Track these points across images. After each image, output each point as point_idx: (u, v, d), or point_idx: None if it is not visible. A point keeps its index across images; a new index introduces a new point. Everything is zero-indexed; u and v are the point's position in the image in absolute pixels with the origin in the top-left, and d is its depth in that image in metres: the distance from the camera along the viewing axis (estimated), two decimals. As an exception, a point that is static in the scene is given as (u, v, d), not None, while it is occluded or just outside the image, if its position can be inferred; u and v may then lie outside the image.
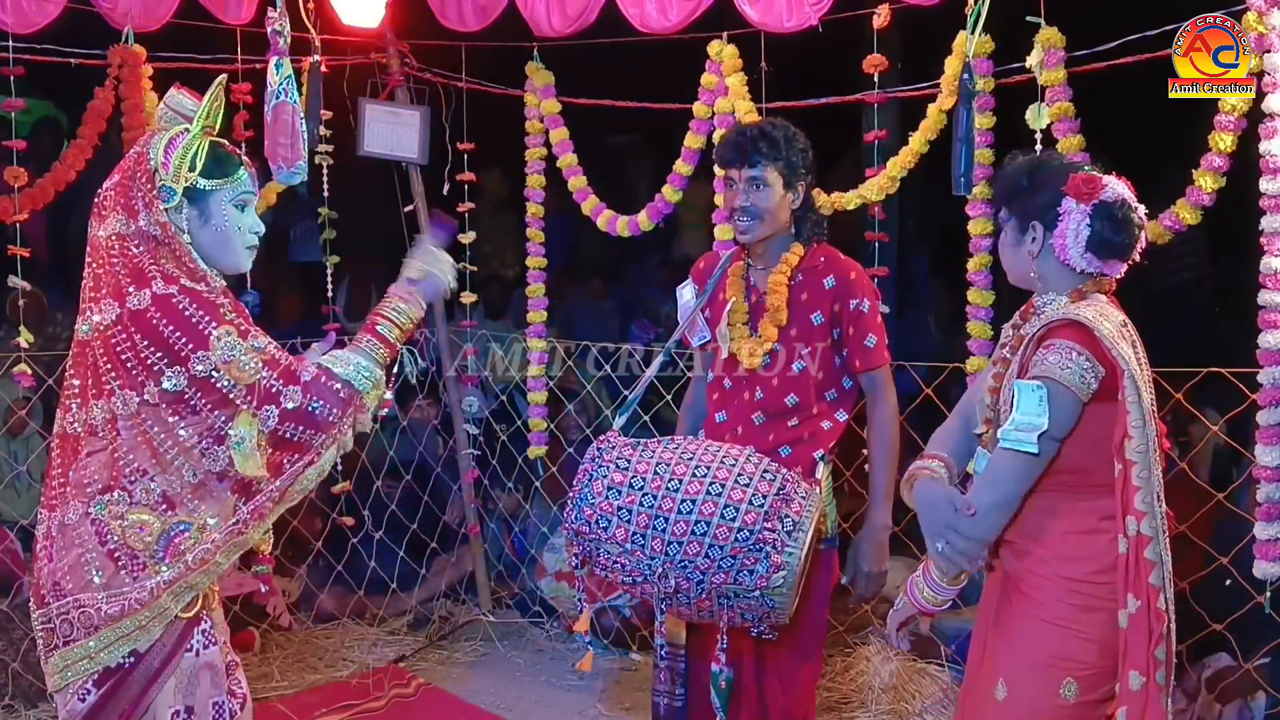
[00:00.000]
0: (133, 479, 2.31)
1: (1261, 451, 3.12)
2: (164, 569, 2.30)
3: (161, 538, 2.30)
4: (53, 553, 2.33)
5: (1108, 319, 2.32)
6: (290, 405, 2.33)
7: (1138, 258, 2.44)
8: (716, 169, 3.22)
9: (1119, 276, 2.45)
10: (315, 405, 2.35)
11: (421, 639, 5.00)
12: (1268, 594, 3.18)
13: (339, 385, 2.38)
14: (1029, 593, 2.39)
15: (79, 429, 2.35)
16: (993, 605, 2.53)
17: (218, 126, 2.45)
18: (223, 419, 2.33)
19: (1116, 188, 2.39)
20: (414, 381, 5.02)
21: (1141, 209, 2.42)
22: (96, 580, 2.28)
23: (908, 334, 7.14)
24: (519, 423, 5.20)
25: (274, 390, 2.33)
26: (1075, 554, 2.37)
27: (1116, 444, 2.30)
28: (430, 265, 2.56)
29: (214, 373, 2.30)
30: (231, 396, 2.32)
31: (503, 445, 5.23)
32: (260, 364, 2.33)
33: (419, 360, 4.91)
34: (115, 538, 2.29)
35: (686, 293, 3.35)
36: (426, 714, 4.36)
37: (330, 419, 2.37)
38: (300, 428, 2.36)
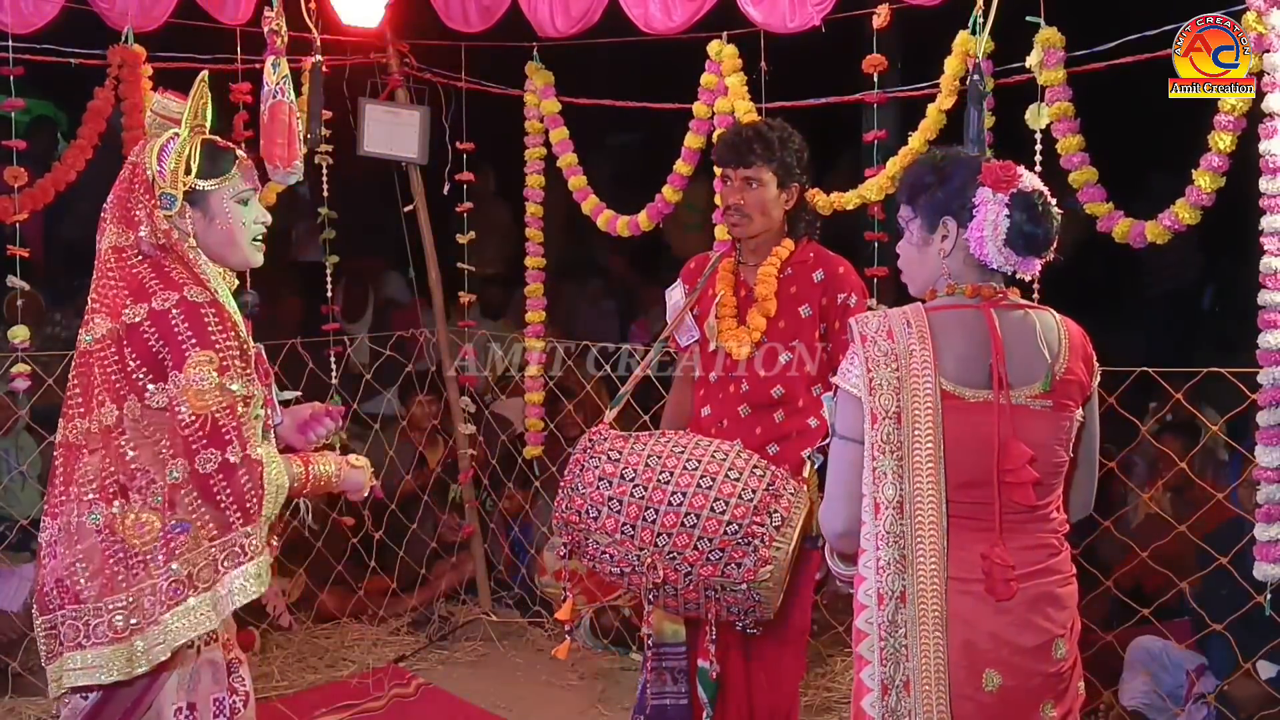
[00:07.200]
0: (131, 482, 2.31)
1: (1261, 452, 3.12)
2: (159, 568, 2.29)
3: (160, 536, 2.30)
4: (56, 555, 2.34)
5: (908, 332, 2.15)
6: (233, 459, 2.29)
7: (1053, 255, 2.22)
8: (716, 167, 3.26)
9: (1034, 274, 2.24)
10: (244, 482, 2.30)
11: (421, 639, 5.00)
12: (1268, 595, 3.17)
13: (252, 493, 2.31)
14: None
15: (79, 438, 2.36)
16: None
17: (208, 124, 2.45)
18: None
19: (1031, 178, 2.20)
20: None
21: (1054, 203, 2.23)
22: (94, 583, 2.29)
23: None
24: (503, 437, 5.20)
25: (226, 437, 2.29)
26: None
27: None
28: (360, 474, 2.59)
29: (178, 396, 2.28)
30: (180, 427, 2.28)
31: (502, 445, 5.23)
32: (223, 405, 2.30)
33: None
34: (115, 539, 2.29)
35: (676, 293, 3.37)
36: (426, 714, 4.36)
37: (229, 505, 2.32)
38: (226, 488, 2.30)
